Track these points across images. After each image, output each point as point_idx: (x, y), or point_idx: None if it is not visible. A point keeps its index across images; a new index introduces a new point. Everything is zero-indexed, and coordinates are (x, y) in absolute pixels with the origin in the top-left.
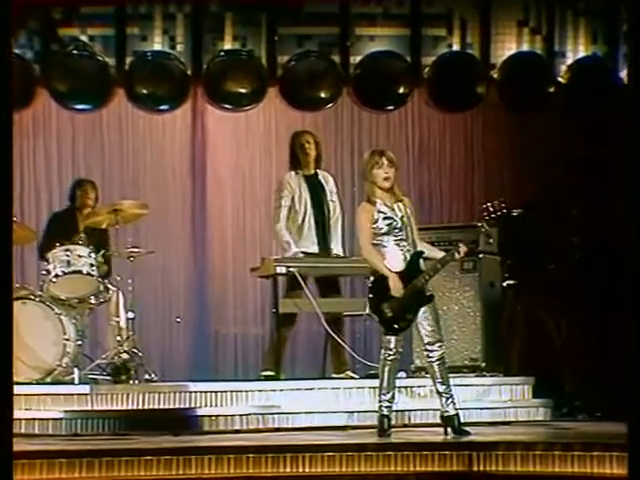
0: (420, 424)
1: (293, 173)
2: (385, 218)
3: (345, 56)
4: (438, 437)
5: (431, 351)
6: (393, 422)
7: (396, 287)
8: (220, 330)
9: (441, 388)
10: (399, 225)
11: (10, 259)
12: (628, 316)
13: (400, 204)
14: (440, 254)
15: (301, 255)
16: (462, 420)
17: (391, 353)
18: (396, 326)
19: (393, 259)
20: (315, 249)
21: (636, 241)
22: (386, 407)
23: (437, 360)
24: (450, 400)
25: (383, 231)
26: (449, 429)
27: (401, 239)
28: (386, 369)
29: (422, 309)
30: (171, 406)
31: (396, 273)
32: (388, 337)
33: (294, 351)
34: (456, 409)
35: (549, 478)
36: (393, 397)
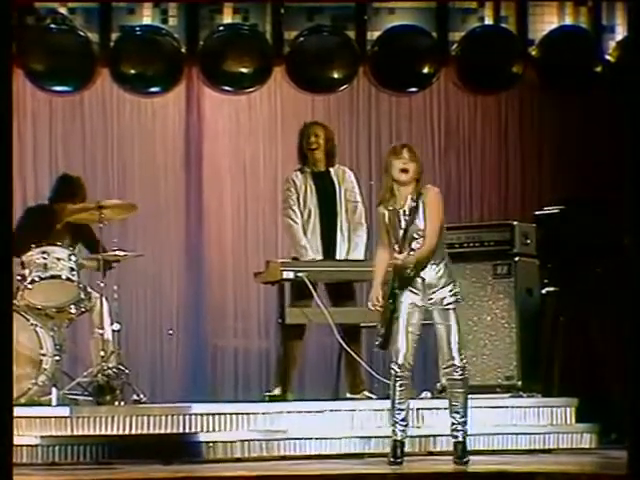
0: (447, 451)
1: (299, 172)
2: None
3: (361, 31)
4: (465, 466)
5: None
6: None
7: (370, 300)
8: (218, 344)
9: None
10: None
11: (10, 264)
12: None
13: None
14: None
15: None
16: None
17: (395, 367)
18: (376, 343)
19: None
20: (319, 256)
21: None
22: (400, 430)
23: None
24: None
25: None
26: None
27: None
28: (396, 386)
29: (438, 324)
30: (162, 431)
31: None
32: (395, 348)
33: (303, 368)
34: (464, 437)
35: None
36: (406, 419)
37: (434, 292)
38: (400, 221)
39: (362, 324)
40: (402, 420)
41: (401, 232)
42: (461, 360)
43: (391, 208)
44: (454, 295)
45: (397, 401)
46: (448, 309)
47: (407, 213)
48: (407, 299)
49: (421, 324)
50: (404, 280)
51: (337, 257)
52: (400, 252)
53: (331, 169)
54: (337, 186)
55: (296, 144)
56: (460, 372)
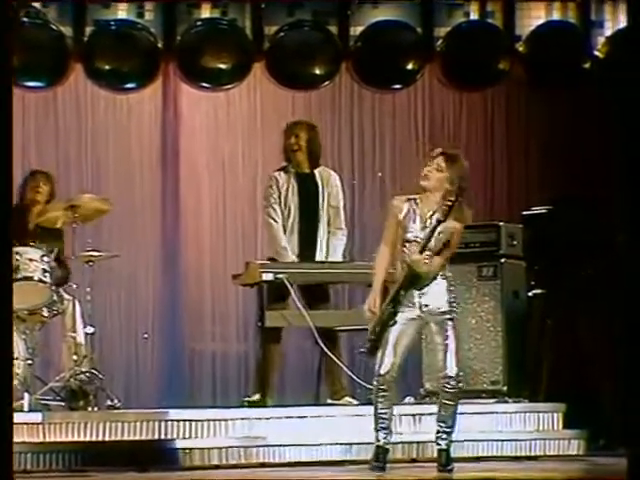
0: (431, 459)
1: (282, 171)
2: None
3: (344, 26)
4: (449, 474)
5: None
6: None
7: (368, 303)
8: (196, 347)
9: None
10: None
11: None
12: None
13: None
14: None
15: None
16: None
17: (378, 378)
18: (362, 350)
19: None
20: (295, 258)
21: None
22: (382, 437)
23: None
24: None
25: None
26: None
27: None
28: (378, 396)
29: (435, 335)
30: (137, 437)
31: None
32: (381, 359)
33: (283, 373)
34: (447, 445)
35: None
36: (388, 427)
37: (430, 298)
38: (417, 228)
39: (340, 327)
40: (384, 428)
41: (419, 237)
42: (457, 374)
43: (413, 208)
44: (451, 304)
45: (379, 410)
46: (445, 320)
47: (429, 226)
48: (403, 313)
49: (413, 337)
50: (415, 282)
51: (315, 259)
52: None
53: (316, 171)
54: (320, 188)
55: (276, 142)
56: (453, 385)
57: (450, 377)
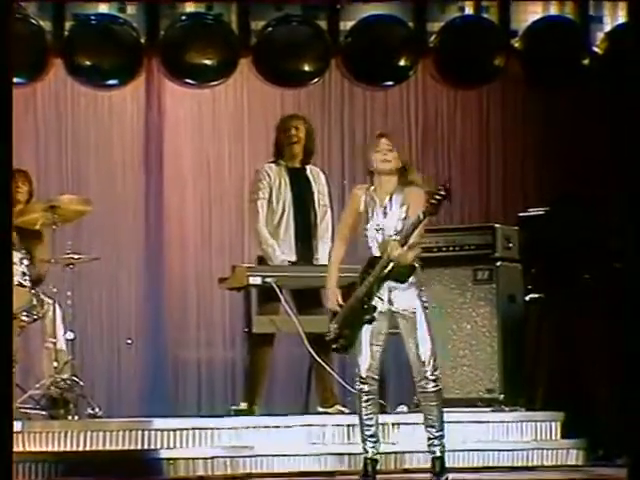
0: (424, 469)
1: (273, 164)
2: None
3: (334, 21)
4: None
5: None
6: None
7: (329, 298)
8: (180, 354)
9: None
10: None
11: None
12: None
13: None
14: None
15: (286, 264)
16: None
17: (360, 381)
18: (334, 345)
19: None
20: (292, 257)
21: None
22: (370, 447)
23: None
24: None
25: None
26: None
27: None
28: (362, 401)
29: (405, 334)
30: (120, 447)
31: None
32: (358, 361)
33: (271, 380)
34: (441, 451)
35: None
36: (375, 435)
37: (399, 295)
38: (379, 215)
39: None
40: (371, 436)
41: (381, 224)
42: (433, 372)
43: (371, 195)
44: (420, 298)
45: (364, 417)
46: (415, 316)
47: (391, 208)
48: (376, 307)
49: (387, 333)
50: (399, 275)
51: (309, 258)
52: (402, 245)
53: (307, 167)
54: (312, 184)
55: (263, 140)
56: (433, 385)
57: (428, 379)
